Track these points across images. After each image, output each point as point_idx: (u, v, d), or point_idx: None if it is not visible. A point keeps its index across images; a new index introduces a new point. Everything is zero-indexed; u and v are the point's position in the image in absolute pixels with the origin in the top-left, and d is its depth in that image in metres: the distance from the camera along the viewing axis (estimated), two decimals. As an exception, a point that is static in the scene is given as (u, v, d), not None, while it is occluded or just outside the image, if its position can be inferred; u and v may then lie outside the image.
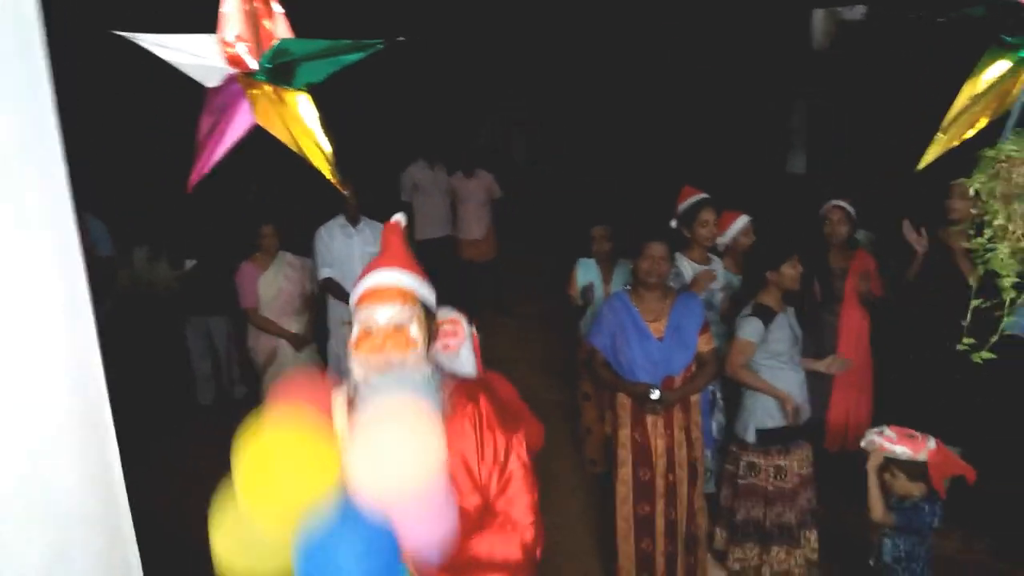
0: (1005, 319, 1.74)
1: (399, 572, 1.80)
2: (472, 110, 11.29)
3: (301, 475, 1.67)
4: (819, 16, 7.61)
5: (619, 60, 9.24)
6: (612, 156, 9.97)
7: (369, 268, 2.02)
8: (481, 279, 7.74)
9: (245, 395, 6.10)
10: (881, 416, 4.34)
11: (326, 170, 1.75)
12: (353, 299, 2.01)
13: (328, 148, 1.75)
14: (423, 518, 1.75)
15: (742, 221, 4.28)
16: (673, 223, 4.19)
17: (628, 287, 3.77)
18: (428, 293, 2.03)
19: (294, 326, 5.17)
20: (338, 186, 1.79)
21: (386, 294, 1.94)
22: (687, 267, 4.06)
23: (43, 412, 1.38)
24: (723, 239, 4.26)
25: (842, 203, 4.39)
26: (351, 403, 1.94)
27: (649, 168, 8.88)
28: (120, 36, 1.64)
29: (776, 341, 3.61)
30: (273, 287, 5.10)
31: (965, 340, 1.81)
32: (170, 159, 6.23)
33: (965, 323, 1.78)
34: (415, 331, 1.93)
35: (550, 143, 11.25)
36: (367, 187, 5.20)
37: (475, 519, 1.94)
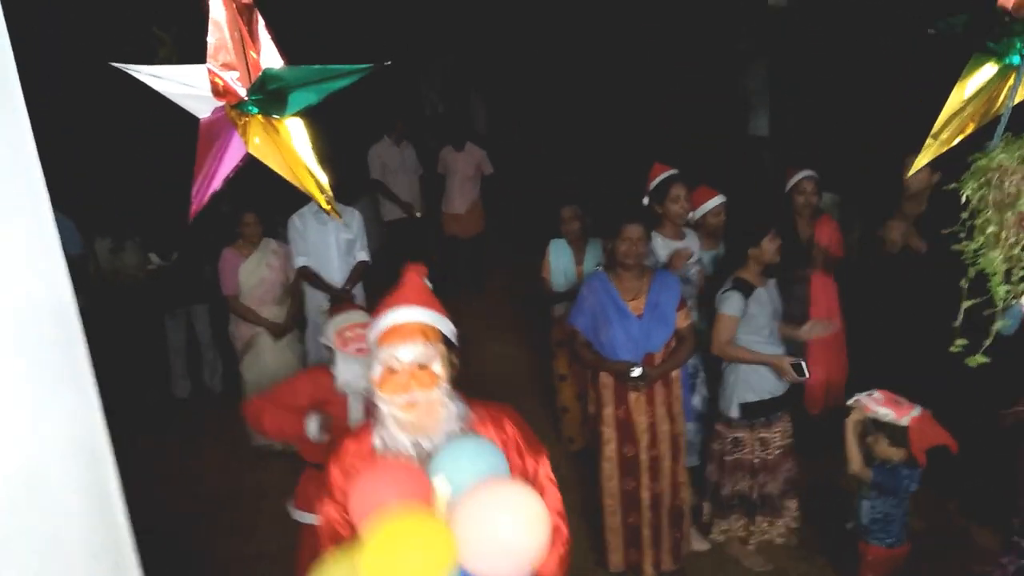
0: (998, 322, 1.81)
1: None
2: (427, 77, 11.15)
3: (426, 562, 1.68)
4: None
5: (575, 26, 9.19)
6: (573, 127, 9.95)
7: (387, 305, 2.02)
8: (462, 255, 7.72)
9: (223, 390, 6.08)
10: (856, 375, 4.50)
11: (321, 199, 1.76)
12: (373, 336, 2.01)
13: (323, 177, 1.77)
14: None
15: (715, 201, 4.32)
16: (645, 200, 4.23)
17: (600, 265, 3.81)
18: (449, 328, 2.05)
19: (275, 314, 5.17)
20: (333, 213, 1.81)
21: (408, 332, 1.95)
22: (660, 244, 4.11)
23: (37, 419, 1.41)
24: (693, 215, 4.31)
25: (812, 172, 4.47)
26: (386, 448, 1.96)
27: (612, 140, 8.91)
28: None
29: (756, 315, 3.69)
30: (255, 275, 5.11)
31: (958, 342, 1.86)
32: (142, 151, 6.15)
33: (956, 324, 1.84)
34: (438, 368, 1.96)
35: (511, 112, 11.18)
36: (335, 168, 5.16)
37: None
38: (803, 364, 3.65)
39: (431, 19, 9.61)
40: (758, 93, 8.02)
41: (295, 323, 5.29)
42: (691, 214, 4.31)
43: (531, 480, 2.06)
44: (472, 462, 1.83)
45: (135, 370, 6.03)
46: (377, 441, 1.99)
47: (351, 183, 6.59)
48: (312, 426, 3.11)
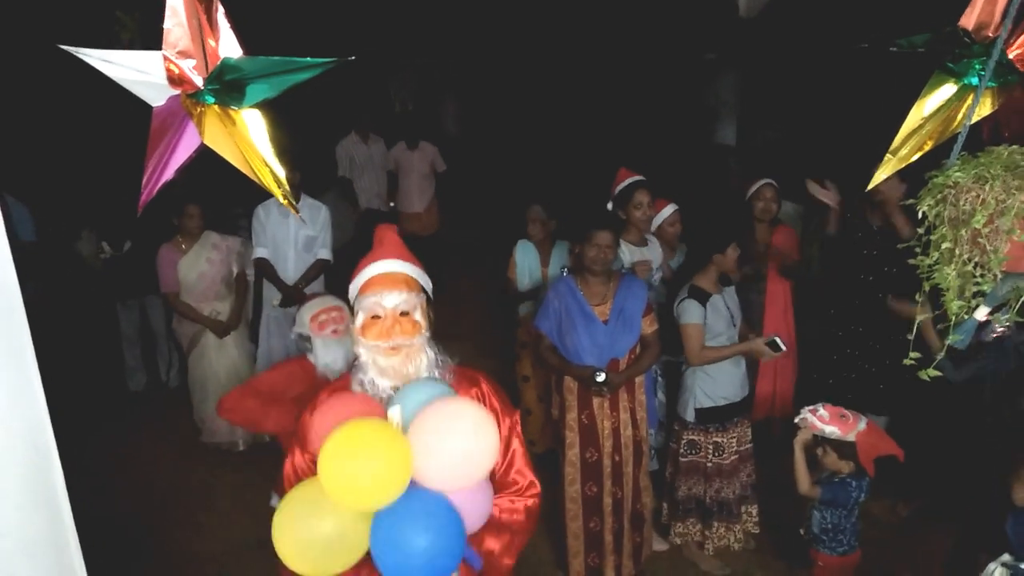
0: (952, 336, 1.84)
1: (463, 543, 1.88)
2: (398, 75, 11.08)
3: (384, 464, 1.74)
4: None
5: (547, 30, 9.18)
6: (543, 130, 9.96)
7: (368, 260, 2.08)
8: (422, 254, 7.68)
9: (178, 384, 5.96)
10: (804, 384, 4.55)
11: (278, 193, 1.73)
12: (355, 288, 2.06)
13: (280, 171, 1.73)
14: (477, 500, 1.90)
15: (669, 210, 4.36)
16: (609, 205, 4.24)
17: (565, 269, 3.80)
18: (427, 282, 2.12)
19: (218, 310, 5.06)
20: (290, 207, 1.77)
21: (392, 280, 2.02)
22: (624, 250, 4.12)
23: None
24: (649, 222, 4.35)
25: (771, 181, 4.52)
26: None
27: (580, 143, 8.92)
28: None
29: (713, 323, 3.72)
30: (194, 270, 4.97)
31: (912, 355, 1.89)
32: (96, 138, 6.01)
33: (911, 337, 1.86)
34: (420, 316, 2.02)
35: (481, 112, 11.15)
36: (304, 163, 5.11)
37: None
38: (777, 340, 3.68)
39: (403, 17, 9.54)
40: (725, 103, 8.11)
41: (239, 320, 5.16)
42: None
43: (504, 438, 2.11)
44: (425, 394, 1.91)
45: (89, 362, 5.92)
46: (357, 389, 2.03)
47: (319, 178, 6.53)
48: None
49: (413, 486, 1.81)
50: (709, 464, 3.83)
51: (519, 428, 2.20)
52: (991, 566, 2.65)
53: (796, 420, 3.22)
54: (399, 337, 1.97)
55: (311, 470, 2.00)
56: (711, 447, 3.82)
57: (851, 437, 3.09)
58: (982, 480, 3.38)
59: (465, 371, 2.17)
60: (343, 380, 2.13)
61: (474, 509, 1.91)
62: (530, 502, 2.13)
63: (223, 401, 3.26)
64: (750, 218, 4.54)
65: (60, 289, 5.55)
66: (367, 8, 8.78)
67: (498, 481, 2.11)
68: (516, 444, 2.16)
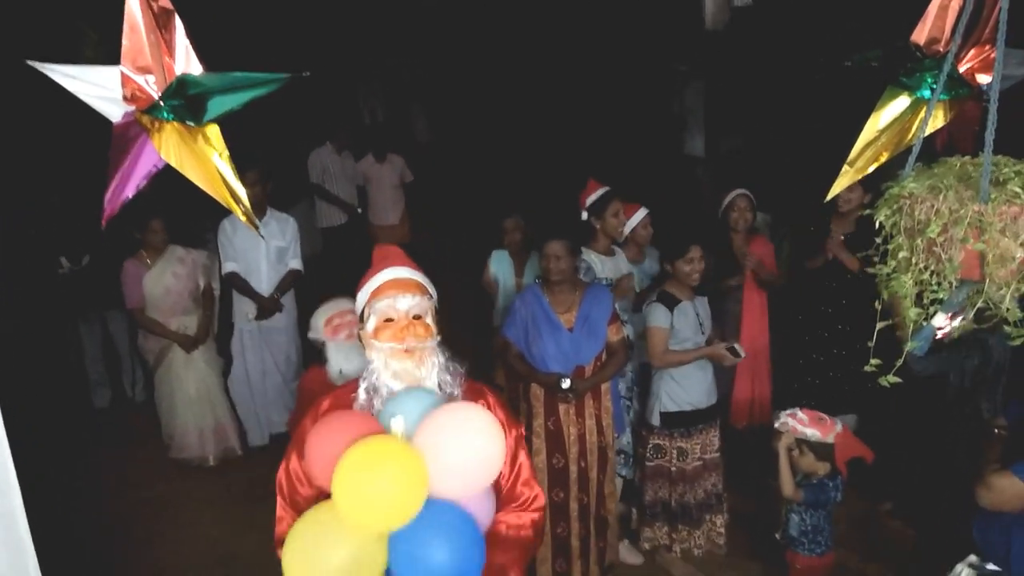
0: (910, 343, 1.87)
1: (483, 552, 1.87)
2: (366, 85, 11.04)
3: (404, 485, 1.72)
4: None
5: (517, 39, 9.23)
6: (513, 139, 9.99)
7: (376, 269, 2.10)
8: None
9: (145, 399, 5.86)
10: (781, 391, 4.60)
11: (237, 211, 1.72)
12: (365, 294, 2.07)
13: (240, 189, 1.73)
14: (484, 507, 1.91)
15: (641, 213, 4.40)
16: (584, 215, 4.27)
17: (538, 279, 3.83)
18: (434, 290, 2.14)
19: (185, 325, 5.00)
20: (250, 226, 1.77)
21: (404, 285, 2.04)
22: (595, 260, 4.14)
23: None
24: (623, 230, 4.38)
25: (745, 191, 4.58)
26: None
27: (550, 153, 8.95)
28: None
29: (681, 329, 3.77)
30: (160, 285, 4.89)
31: (872, 362, 1.91)
32: (52, 156, 5.91)
33: (871, 344, 1.89)
34: (431, 321, 2.04)
35: (452, 122, 11.16)
36: (270, 173, 5.08)
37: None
38: (736, 346, 3.77)
39: (371, 28, 9.53)
40: (694, 113, 8.18)
41: (207, 334, 5.10)
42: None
43: (511, 449, 2.11)
44: (422, 402, 1.90)
45: (51, 378, 5.81)
46: (363, 394, 2.02)
47: (287, 189, 6.48)
48: None
49: (428, 498, 1.79)
50: (673, 468, 3.88)
51: (523, 442, 2.22)
52: (958, 567, 2.69)
53: (776, 425, 3.27)
54: (413, 340, 1.99)
55: (307, 477, 1.97)
56: (675, 452, 3.87)
57: (831, 439, 3.16)
58: (945, 481, 3.45)
59: (471, 384, 2.17)
60: (349, 386, 2.11)
61: (481, 515, 1.91)
62: (536, 515, 2.14)
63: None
64: (725, 229, 4.59)
65: (20, 304, 5.44)
66: (335, 11, 8.76)
67: (505, 494, 2.12)
68: (523, 456, 2.18)
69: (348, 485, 1.69)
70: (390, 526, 1.73)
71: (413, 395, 1.94)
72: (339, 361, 3.09)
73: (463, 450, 1.79)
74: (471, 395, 2.12)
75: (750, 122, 7.09)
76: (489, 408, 2.11)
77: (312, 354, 3.35)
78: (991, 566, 2.60)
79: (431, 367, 2.03)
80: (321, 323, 3.17)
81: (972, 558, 2.67)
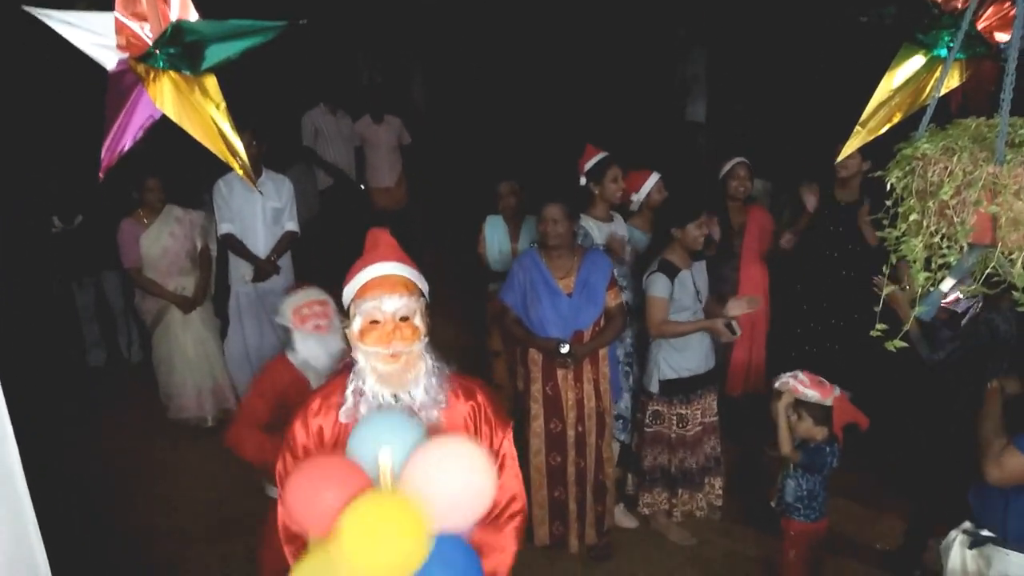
0: (918, 308, 1.84)
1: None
2: (365, 48, 10.86)
3: (410, 553, 1.68)
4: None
5: (519, 2, 9.08)
6: (512, 104, 9.88)
7: (364, 262, 2.01)
8: (392, 229, 7.60)
9: (141, 359, 5.85)
10: (777, 359, 4.60)
11: (234, 164, 1.68)
12: (350, 291, 2.00)
13: (238, 141, 1.68)
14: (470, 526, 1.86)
15: (654, 179, 4.36)
16: (583, 180, 4.22)
17: (534, 244, 3.81)
18: (425, 286, 2.05)
19: (183, 286, 4.97)
20: (247, 179, 1.73)
21: (391, 284, 1.95)
22: (593, 226, 4.12)
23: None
24: (637, 197, 4.34)
25: (744, 159, 4.53)
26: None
27: (550, 119, 8.86)
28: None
29: (681, 297, 3.75)
30: (157, 245, 4.86)
31: (878, 327, 1.89)
32: (43, 114, 5.81)
33: (878, 309, 1.86)
34: (419, 322, 1.96)
35: (450, 85, 11.01)
36: (267, 134, 5.01)
37: None
38: (733, 323, 3.77)
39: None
40: (696, 80, 8.11)
41: (204, 295, 5.07)
42: (635, 196, 4.33)
43: (495, 450, 2.09)
44: (408, 435, 1.83)
45: (46, 338, 5.79)
46: (350, 397, 1.98)
47: (283, 150, 6.40)
48: None
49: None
50: (673, 435, 3.89)
51: (511, 444, 2.16)
52: (952, 533, 2.71)
53: (776, 385, 3.27)
54: (399, 343, 1.92)
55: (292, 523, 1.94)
56: (675, 418, 3.87)
57: (829, 401, 3.17)
58: (940, 452, 3.45)
59: (462, 380, 2.12)
60: (335, 386, 2.06)
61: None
62: (516, 522, 2.09)
63: (228, 438, 3.08)
64: (723, 197, 4.55)
65: (13, 263, 5.39)
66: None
67: None
68: (507, 458, 2.13)
69: (358, 550, 1.64)
70: None
71: (395, 424, 1.87)
72: (304, 351, 3.07)
73: (455, 492, 1.74)
74: (460, 394, 2.06)
75: (753, 87, 7.01)
76: (478, 408, 2.07)
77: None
78: (985, 532, 2.61)
79: (419, 370, 1.97)
80: (290, 311, 3.13)
81: (966, 524, 2.68)
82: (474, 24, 9.74)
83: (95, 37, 1.59)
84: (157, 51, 1.55)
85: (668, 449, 3.91)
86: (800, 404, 3.22)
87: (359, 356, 1.96)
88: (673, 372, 3.82)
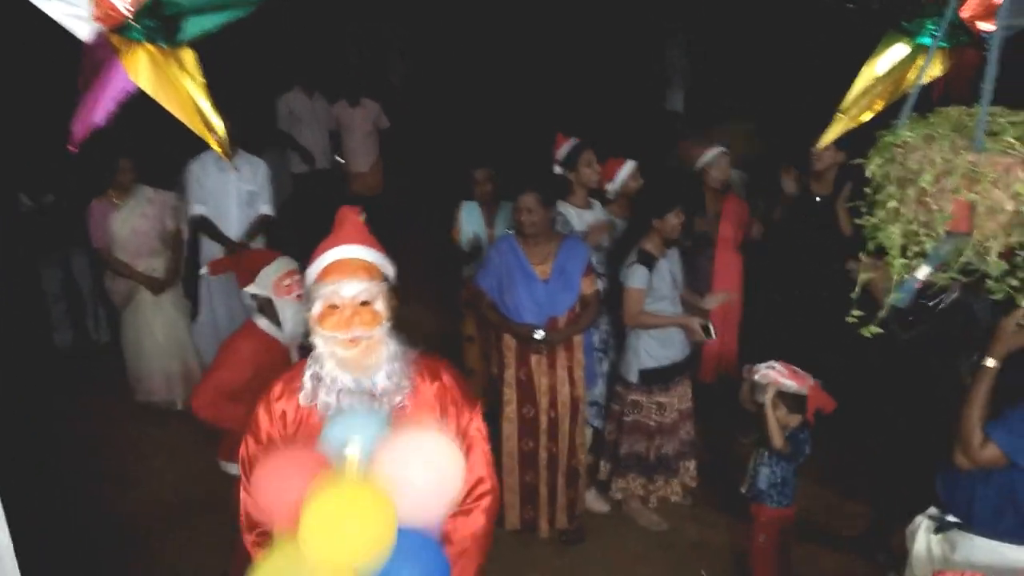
0: (893, 295, 1.85)
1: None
2: (343, 30, 10.72)
3: (374, 540, 1.66)
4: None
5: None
6: (490, 90, 9.82)
7: (327, 244, 1.98)
8: (368, 214, 7.51)
9: (109, 340, 5.75)
10: (749, 346, 4.64)
11: (211, 140, 1.64)
12: (311, 275, 1.96)
13: (215, 117, 1.64)
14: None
15: (629, 166, 4.35)
16: (557, 169, 4.21)
17: (511, 230, 3.81)
18: (389, 268, 2.02)
19: (153, 267, 4.90)
20: (224, 156, 1.69)
21: (351, 268, 1.92)
22: (572, 213, 4.11)
23: None
24: (612, 185, 4.32)
25: (724, 149, 4.54)
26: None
27: (528, 105, 8.82)
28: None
29: (659, 286, 3.76)
30: (127, 226, 4.79)
31: (854, 313, 1.89)
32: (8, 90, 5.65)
33: (854, 296, 1.87)
34: (380, 306, 1.93)
35: (428, 68, 10.92)
36: (240, 117, 4.92)
37: None
38: (709, 325, 3.78)
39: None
40: (675, 69, 8.10)
41: (175, 277, 5.01)
42: (610, 185, 4.32)
43: (463, 431, 2.07)
44: (372, 427, 1.81)
45: (11, 317, 5.66)
46: (308, 382, 1.96)
47: (258, 132, 6.30)
48: None
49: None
50: (652, 423, 3.89)
51: (481, 422, 2.14)
52: (918, 518, 2.73)
53: (756, 377, 3.28)
54: (358, 328, 1.89)
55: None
56: (654, 407, 3.88)
57: (805, 391, 3.20)
58: (919, 438, 3.49)
59: (427, 361, 2.09)
60: (295, 371, 2.04)
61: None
62: (484, 503, 2.07)
63: (193, 401, 3.07)
64: (701, 186, 4.55)
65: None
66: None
67: None
68: (475, 437, 2.11)
69: (319, 537, 1.62)
70: (358, 568, 1.68)
71: (359, 419, 1.86)
72: (290, 317, 3.09)
73: (424, 484, 1.73)
74: (426, 374, 2.05)
75: (732, 77, 7.02)
76: (444, 390, 2.06)
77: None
78: (951, 517, 2.64)
79: (381, 355, 1.94)
80: (271, 281, 3.12)
81: (932, 510, 2.71)
82: (454, 9, 9.66)
83: (69, 8, 1.53)
84: (133, 23, 1.50)
85: (646, 437, 3.91)
86: (778, 393, 3.25)
87: (317, 341, 1.94)
88: (654, 361, 3.83)
